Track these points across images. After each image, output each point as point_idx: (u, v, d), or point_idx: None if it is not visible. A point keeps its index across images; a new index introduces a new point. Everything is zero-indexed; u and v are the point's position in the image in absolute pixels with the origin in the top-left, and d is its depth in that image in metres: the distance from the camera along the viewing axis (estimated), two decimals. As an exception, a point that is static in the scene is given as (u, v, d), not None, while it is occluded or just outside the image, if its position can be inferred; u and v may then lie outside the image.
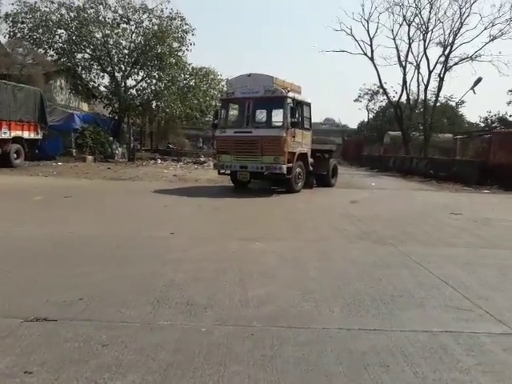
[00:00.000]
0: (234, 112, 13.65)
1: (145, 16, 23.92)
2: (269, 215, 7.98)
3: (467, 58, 27.43)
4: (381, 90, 36.42)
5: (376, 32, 30.11)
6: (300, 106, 12.14)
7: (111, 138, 23.76)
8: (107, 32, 23.21)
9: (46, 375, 2.36)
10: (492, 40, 26.42)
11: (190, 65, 25.86)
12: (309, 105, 12.92)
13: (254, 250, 5.26)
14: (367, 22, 29.78)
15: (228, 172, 12.59)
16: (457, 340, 2.95)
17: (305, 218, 7.96)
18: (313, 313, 3.35)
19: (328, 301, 3.60)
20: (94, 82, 24.64)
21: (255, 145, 11.46)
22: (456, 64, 28.11)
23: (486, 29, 26.89)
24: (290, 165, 11.54)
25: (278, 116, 12.41)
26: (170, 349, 2.70)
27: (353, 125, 57.10)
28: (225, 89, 27.11)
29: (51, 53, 23.29)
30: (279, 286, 3.94)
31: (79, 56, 23.92)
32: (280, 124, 11.72)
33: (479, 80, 26.07)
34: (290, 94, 11.79)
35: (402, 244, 5.81)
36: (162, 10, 23.89)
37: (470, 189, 15.45)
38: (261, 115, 12.98)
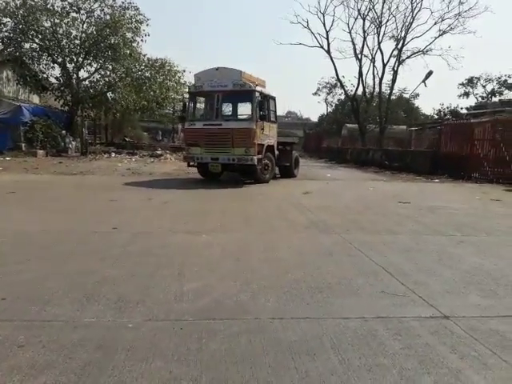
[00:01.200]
0: (201, 105, 13.64)
1: (96, 5, 23.09)
2: (220, 208, 7.88)
3: (419, 51, 28.28)
4: (338, 84, 36.88)
5: (332, 25, 31.02)
6: (266, 99, 12.51)
7: (64, 132, 22.84)
8: (56, 21, 22.18)
9: None
10: (442, 34, 27.35)
11: (145, 56, 25.22)
12: (274, 99, 13.32)
13: (198, 243, 5.16)
14: (323, 15, 30.11)
15: (195, 164, 12.77)
16: (386, 325, 2.99)
17: (256, 209, 7.94)
18: (248, 304, 3.31)
19: (265, 291, 3.57)
20: (44, 72, 23.58)
21: (226, 137, 11.69)
22: (408, 58, 28.94)
23: (436, 23, 27.85)
24: (260, 156, 11.96)
25: (245, 109, 12.77)
26: (91, 347, 2.58)
27: (314, 118, 57.89)
28: (181, 80, 26.84)
29: (-4, 42, 22.10)
30: (218, 279, 3.87)
31: (27, 46, 22.81)
32: (249, 117, 12.02)
33: (430, 73, 26.88)
34: (258, 88, 12.06)
35: (347, 232, 5.88)
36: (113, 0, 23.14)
37: (421, 178, 15.93)
38: (228, 108, 13.15)
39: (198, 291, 3.54)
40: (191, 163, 12.73)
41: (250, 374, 2.33)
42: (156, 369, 2.35)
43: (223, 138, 11.74)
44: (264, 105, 12.16)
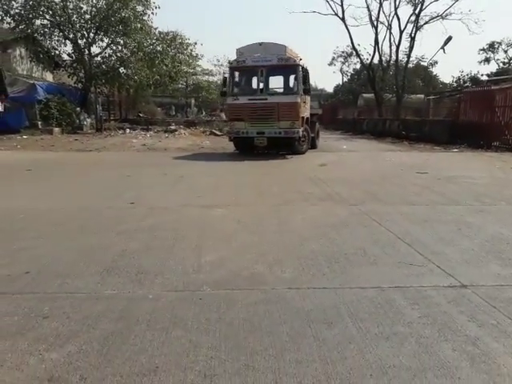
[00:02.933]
0: (238, 79, 13.39)
1: (105, -22, 22.69)
2: (234, 182, 7.90)
3: (437, 16, 27.33)
4: (354, 52, 35.94)
5: (347, -9, 29.39)
6: (307, 73, 12.66)
7: (78, 109, 22.97)
8: (66, -5, 21.98)
9: (-23, 351, 2.28)
10: (462, -3, 26.23)
11: (156, 29, 24.92)
12: (308, 72, 13.20)
13: (213, 217, 5.19)
14: (337, -20, 29.05)
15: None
16: (404, 294, 2.98)
17: (271, 182, 7.91)
18: (264, 274, 3.34)
19: (281, 262, 3.59)
20: (56, 49, 23.55)
21: (272, 111, 11.94)
22: (427, 23, 27.99)
23: (456, -14, 26.63)
24: (303, 128, 12.42)
25: (287, 83, 13.23)
26: (113, 317, 2.64)
27: (329, 89, 56.78)
28: (193, 53, 26.54)
29: (8, 20, 22.04)
30: (234, 251, 3.91)
31: (38, 22, 22.71)
32: (294, 91, 12.33)
33: (449, 39, 26.02)
34: (301, 62, 12.29)
35: (363, 204, 5.84)
36: (122, -29, 22.68)
37: (439, 148, 15.63)
38: (271, 82, 13.03)
39: (215, 263, 3.58)
40: (235, 137, 12.83)
41: (268, 342, 2.36)
42: (176, 338, 2.41)
43: (269, 112, 11.96)
44: (306, 79, 12.44)
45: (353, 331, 2.49)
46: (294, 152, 12.73)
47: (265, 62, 12.01)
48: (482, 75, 38.01)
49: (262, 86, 12.19)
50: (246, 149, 12.98)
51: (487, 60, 42.95)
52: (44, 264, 3.55)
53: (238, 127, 12.30)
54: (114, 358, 2.22)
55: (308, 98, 13.23)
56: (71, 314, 2.69)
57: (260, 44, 12.31)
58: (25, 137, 18.15)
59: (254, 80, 12.72)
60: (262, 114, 12.02)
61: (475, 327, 2.55)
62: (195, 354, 2.25)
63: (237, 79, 13.03)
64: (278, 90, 13.10)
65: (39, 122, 20.74)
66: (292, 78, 12.78)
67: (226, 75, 13.07)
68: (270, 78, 12.62)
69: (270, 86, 12.77)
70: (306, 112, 12.86)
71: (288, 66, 12.22)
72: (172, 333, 2.46)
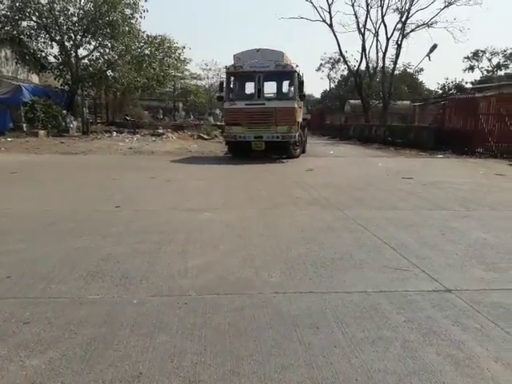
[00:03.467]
0: (235, 84, 13.58)
1: (93, -20, 22.53)
2: (222, 185, 7.88)
3: (423, 24, 27.80)
4: (341, 59, 36.26)
5: (335, -2, 29.76)
6: (302, 79, 12.92)
7: (64, 111, 22.67)
8: (53, -3, 21.76)
9: (-44, 357, 2.22)
10: (447, 6, 26.85)
11: (144, 32, 24.79)
12: (303, 78, 13.39)
13: (201, 221, 5.17)
14: (325, -13, 29.35)
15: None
16: (389, 299, 3.00)
17: (259, 186, 7.90)
18: (251, 279, 3.32)
19: (268, 266, 3.58)
20: (42, 51, 23.25)
21: (269, 116, 12.19)
22: (413, 31, 28.45)
23: (441, -6, 27.10)
24: (298, 133, 12.78)
25: (283, 88, 13.63)
26: (97, 322, 2.60)
27: (317, 94, 57.21)
28: (181, 57, 26.48)
29: (-7, 21, 21.72)
30: (221, 255, 3.89)
31: (24, 24, 22.40)
32: (291, 96, 12.78)
33: (435, 47, 26.44)
34: (297, 69, 12.59)
35: (350, 209, 5.87)
36: (110, -26, 22.55)
37: (425, 154, 15.81)
38: (266, 88, 13.22)
39: (202, 267, 3.55)
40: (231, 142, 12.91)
41: (253, 347, 2.35)
42: (161, 343, 2.38)
43: (266, 117, 12.18)
44: (302, 85, 12.70)
45: (338, 336, 2.49)
46: (288, 156, 12.97)
47: (262, 68, 12.24)
48: (467, 83, 38.83)
49: (259, 91, 12.39)
50: (241, 153, 13.03)
51: (471, 68, 43.84)
52: (27, 268, 3.48)
53: (235, 131, 12.41)
54: (96, 363, 2.18)
55: (302, 104, 13.55)
56: (53, 320, 2.64)
57: (257, 50, 12.59)
58: (9, 139, 17.85)
59: (251, 85, 12.89)
60: (259, 118, 12.20)
61: (459, 331, 2.57)
62: (180, 359, 2.23)
63: (234, 84, 13.18)
64: (273, 96, 13.28)
65: (24, 125, 20.41)
66: (288, 83, 13.16)
67: (223, 80, 13.26)
68: (266, 83, 12.83)
69: (266, 92, 12.98)
70: (300, 117, 13.15)
71: (285, 73, 12.56)
72: (156, 338, 2.43)
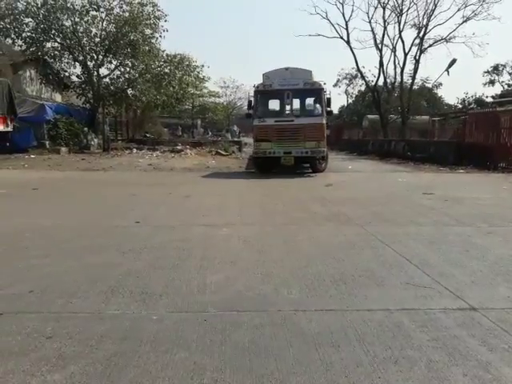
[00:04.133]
0: (264, 102, 14.04)
1: (115, 3, 23.19)
2: (239, 201, 7.89)
3: (441, 39, 27.58)
4: (359, 74, 36.29)
5: (351, 15, 30.07)
6: (329, 96, 13.38)
7: (86, 129, 23.21)
8: (76, 19, 22.45)
9: (-21, 371, 2.25)
10: (465, 21, 26.61)
11: (163, 51, 25.34)
12: (330, 96, 13.94)
13: (219, 236, 5.17)
14: (342, 4, 29.65)
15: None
16: (412, 317, 2.93)
17: (276, 201, 7.89)
18: (270, 296, 3.29)
19: (287, 283, 3.55)
20: (66, 71, 23.98)
21: (299, 132, 12.62)
22: (431, 46, 28.24)
23: (459, 10, 27.07)
24: (325, 148, 13.23)
25: (312, 105, 14.12)
26: (117, 338, 2.60)
27: (334, 109, 57.17)
28: (200, 75, 26.93)
29: (19, 42, 22.49)
30: (239, 271, 3.87)
31: (48, 45, 23.17)
32: (319, 113, 13.20)
33: (453, 61, 26.25)
34: (324, 87, 13.21)
35: (369, 224, 5.79)
36: (132, -4, 23.24)
37: (445, 169, 15.58)
38: (295, 105, 13.87)
39: (221, 283, 3.54)
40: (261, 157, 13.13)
41: (274, 366, 2.31)
42: (180, 359, 2.36)
43: (296, 133, 12.61)
44: (329, 102, 13.18)
45: (361, 355, 2.44)
46: (314, 170, 13.38)
47: (291, 86, 12.75)
48: (487, 97, 38.31)
49: (288, 108, 12.96)
50: (267, 168, 13.34)
51: (492, 82, 43.20)
52: (49, 283, 3.53)
53: (265, 147, 12.78)
54: (116, 379, 2.18)
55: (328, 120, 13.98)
56: (74, 335, 2.65)
57: (286, 69, 13.09)
58: (32, 156, 18.32)
59: (280, 102, 13.46)
60: (289, 134, 12.63)
61: (486, 351, 2.48)
62: (199, 376, 2.21)
63: (263, 102, 13.63)
64: (300, 112, 13.81)
65: (47, 142, 20.95)
66: (316, 100, 13.69)
67: (252, 98, 13.60)
68: (294, 100, 13.34)
69: (294, 108, 13.48)
70: (326, 133, 13.56)
71: (314, 90, 13.13)
72: (176, 354, 2.42)
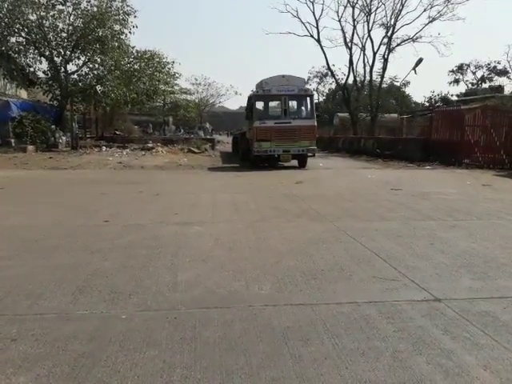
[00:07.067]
0: (264, 105, 15.76)
1: (82, -3, 22.65)
2: (210, 199, 7.86)
3: (408, 39, 28.37)
4: (329, 73, 36.72)
5: (321, 14, 30.41)
6: (316, 101, 16.23)
7: (53, 127, 22.55)
8: (42, 13, 21.77)
9: None
10: (431, 21, 27.45)
11: (133, 48, 24.88)
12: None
13: (190, 234, 5.15)
14: (312, 3, 29.93)
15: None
16: (379, 309, 3.01)
17: (246, 199, 7.90)
18: (241, 292, 3.31)
19: (258, 279, 3.57)
20: (31, 66, 23.20)
21: (294, 133, 14.28)
22: (398, 45, 29.00)
23: (425, 10, 28.05)
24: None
25: (303, 109, 15.54)
26: (85, 338, 2.57)
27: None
28: (171, 72, 26.66)
29: (-19, 37, 21.68)
30: (211, 268, 3.87)
31: (13, 40, 22.40)
32: (310, 116, 14.95)
33: (420, 61, 26.88)
34: (313, 93, 15.54)
35: (339, 220, 5.90)
36: (100, -9, 22.71)
37: (413, 166, 15.99)
38: (291, 109, 15.50)
39: (191, 281, 3.53)
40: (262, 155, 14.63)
41: (243, 361, 2.33)
42: (149, 358, 2.35)
43: (292, 134, 14.25)
44: (317, 106, 15.53)
45: (329, 347, 2.49)
46: (301, 165, 15.08)
47: (288, 92, 14.51)
48: (452, 95, 39.55)
49: (285, 111, 14.57)
50: (260, 163, 14.97)
51: (457, 81, 44.65)
52: (14, 285, 3.43)
53: (265, 147, 14.30)
54: (84, 380, 2.15)
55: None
56: (40, 336, 2.60)
57: (283, 76, 14.88)
58: (-3, 155, 17.70)
59: (278, 106, 15.21)
60: (286, 135, 14.22)
61: (449, 340, 2.58)
62: (169, 374, 2.21)
63: (262, 105, 15.44)
64: (296, 115, 15.18)
65: (12, 140, 20.26)
66: (308, 105, 15.23)
67: (252, 102, 15.10)
68: (290, 104, 15.03)
69: (290, 112, 15.00)
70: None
71: (306, 96, 15.07)
72: (145, 353, 2.41)
